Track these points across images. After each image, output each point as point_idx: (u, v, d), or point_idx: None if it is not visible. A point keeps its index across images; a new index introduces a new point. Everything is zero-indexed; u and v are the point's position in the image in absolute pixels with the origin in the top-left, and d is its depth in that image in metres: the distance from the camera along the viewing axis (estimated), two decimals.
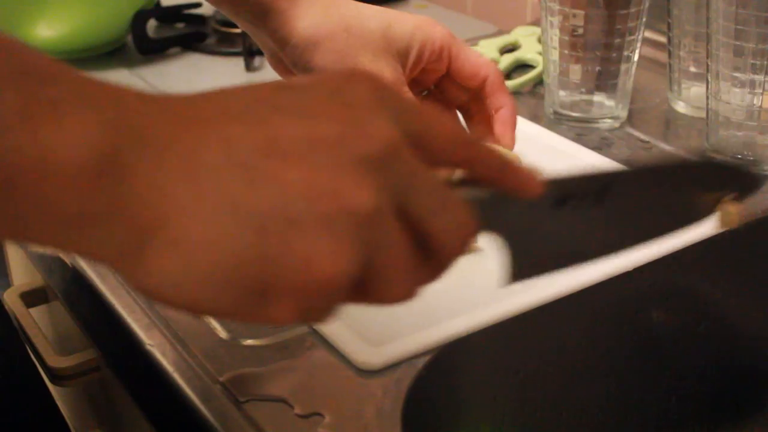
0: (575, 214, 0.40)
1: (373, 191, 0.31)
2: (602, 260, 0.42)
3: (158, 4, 1.03)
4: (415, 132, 0.33)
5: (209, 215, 0.29)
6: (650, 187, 0.43)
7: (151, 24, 1.00)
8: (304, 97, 0.32)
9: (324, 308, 0.32)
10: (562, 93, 0.77)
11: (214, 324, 0.52)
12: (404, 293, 0.34)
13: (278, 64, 0.62)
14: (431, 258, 0.34)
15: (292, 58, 0.60)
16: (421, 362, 0.49)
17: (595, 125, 0.76)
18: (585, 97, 0.76)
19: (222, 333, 0.52)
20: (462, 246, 0.35)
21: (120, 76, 0.90)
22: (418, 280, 0.34)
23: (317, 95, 0.32)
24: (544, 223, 0.39)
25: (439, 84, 0.65)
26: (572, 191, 0.40)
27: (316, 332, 0.52)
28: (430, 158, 0.34)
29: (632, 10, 0.72)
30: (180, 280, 0.29)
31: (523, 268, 0.40)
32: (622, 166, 0.43)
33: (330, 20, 0.59)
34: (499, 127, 0.63)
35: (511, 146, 0.64)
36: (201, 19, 1.04)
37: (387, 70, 0.59)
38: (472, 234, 0.35)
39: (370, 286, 0.32)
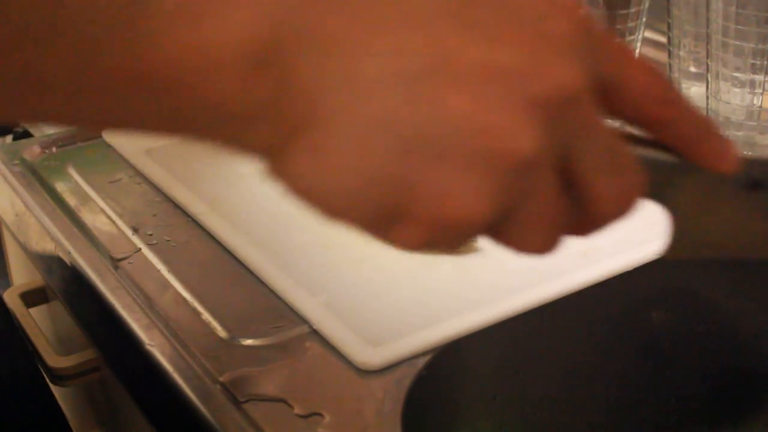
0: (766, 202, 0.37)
1: (538, 137, 0.28)
2: None
3: None
4: (609, 79, 0.31)
5: (358, 124, 0.27)
6: None
7: None
8: (499, 15, 0.29)
9: (452, 243, 0.30)
10: None
11: (214, 324, 0.52)
12: (542, 247, 0.31)
13: None
14: (584, 215, 0.31)
15: None
16: (421, 362, 0.49)
17: None
18: None
19: (222, 333, 0.52)
20: (621, 212, 0.32)
21: None
22: (562, 234, 0.31)
23: (514, 17, 0.29)
24: (726, 203, 0.36)
25: None
26: None
27: (316, 332, 0.52)
28: (617, 109, 0.31)
29: (632, 10, 0.72)
30: (314, 182, 0.28)
31: (686, 246, 0.37)
32: None
33: None
34: None
35: None
36: None
37: None
38: (635, 203, 0.32)
39: (509, 232, 0.30)
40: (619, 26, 0.72)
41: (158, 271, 0.58)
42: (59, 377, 0.66)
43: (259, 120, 0.28)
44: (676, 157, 0.33)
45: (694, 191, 0.35)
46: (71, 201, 0.66)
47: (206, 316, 0.53)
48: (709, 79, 0.68)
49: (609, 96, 0.31)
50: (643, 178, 0.31)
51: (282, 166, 0.29)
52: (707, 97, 0.69)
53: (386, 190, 0.28)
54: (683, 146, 0.33)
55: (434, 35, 0.28)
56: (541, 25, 0.29)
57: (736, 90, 0.66)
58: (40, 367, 0.67)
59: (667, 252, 0.37)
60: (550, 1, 0.30)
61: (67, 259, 0.61)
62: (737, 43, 0.65)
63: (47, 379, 0.67)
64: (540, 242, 0.30)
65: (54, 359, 0.65)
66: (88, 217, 0.64)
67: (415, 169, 0.27)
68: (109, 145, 0.73)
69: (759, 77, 0.65)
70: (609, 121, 0.31)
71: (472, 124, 0.27)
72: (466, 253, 0.58)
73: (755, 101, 0.66)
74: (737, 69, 0.66)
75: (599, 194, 0.30)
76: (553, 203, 0.30)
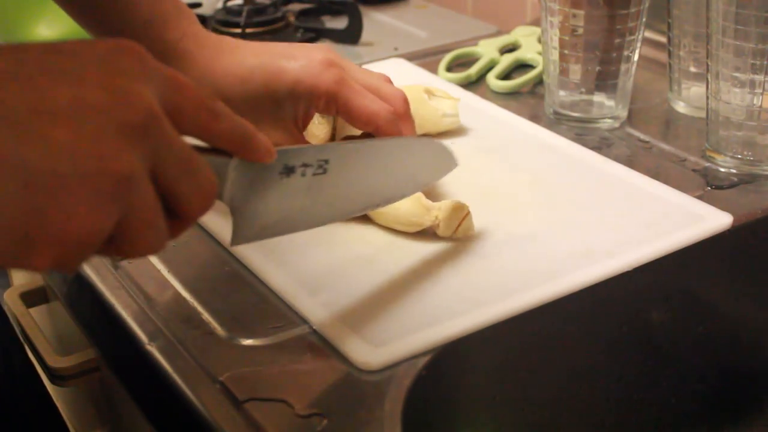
0: (300, 183, 0.47)
1: (133, 156, 0.34)
2: (319, 225, 0.50)
3: None
4: (171, 103, 0.37)
5: None
6: (370, 159, 0.51)
7: None
8: (74, 61, 0.35)
9: (78, 258, 0.35)
10: (562, 93, 0.77)
11: (214, 324, 0.52)
12: (151, 248, 0.37)
13: None
14: (177, 217, 0.39)
15: None
16: (421, 362, 0.49)
17: (595, 125, 0.76)
18: (585, 97, 0.76)
19: (222, 333, 0.52)
20: (203, 207, 0.40)
21: None
22: (164, 236, 0.38)
23: (87, 61, 0.35)
24: (272, 190, 0.46)
25: None
26: (299, 161, 0.47)
27: (316, 332, 0.52)
28: (180, 127, 0.38)
29: (632, 10, 0.72)
30: None
31: (246, 231, 0.46)
32: (351, 141, 0.51)
33: (209, 81, 0.57)
34: None
35: None
36: (201, 19, 1.04)
37: (273, 133, 0.57)
38: (212, 197, 0.40)
39: (121, 240, 0.36)
40: (619, 26, 0.72)
41: (158, 271, 0.58)
42: (59, 377, 0.66)
43: None
44: (228, 158, 0.42)
45: (245, 183, 0.44)
46: None
47: (206, 316, 0.53)
48: (709, 79, 0.68)
49: (172, 116, 0.37)
50: (212, 177, 0.39)
51: None
52: (707, 97, 0.69)
53: (16, 221, 0.32)
54: (232, 147, 0.42)
55: (29, 82, 0.33)
56: (110, 65, 0.35)
57: (736, 90, 0.66)
58: (40, 367, 0.67)
59: (232, 241, 0.46)
60: (112, 45, 0.37)
61: None
62: (737, 43, 0.65)
63: (46, 377, 0.67)
64: (148, 243, 0.37)
65: (54, 359, 0.65)
66: None
67: (38, 198, 0.32)
68: None
69: (759, 77, 0.65)
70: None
71: (77, 152, 0.33)
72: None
73: (755, 101, 0.66)
74: (737, 69, 0.66)
75: (182, 192, 0.38)
76: (153, 208, 0.36)
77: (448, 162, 0.57)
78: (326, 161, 0.48)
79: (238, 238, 0.47)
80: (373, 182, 0.52)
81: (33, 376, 0.68)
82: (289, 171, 0.46)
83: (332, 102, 0.57)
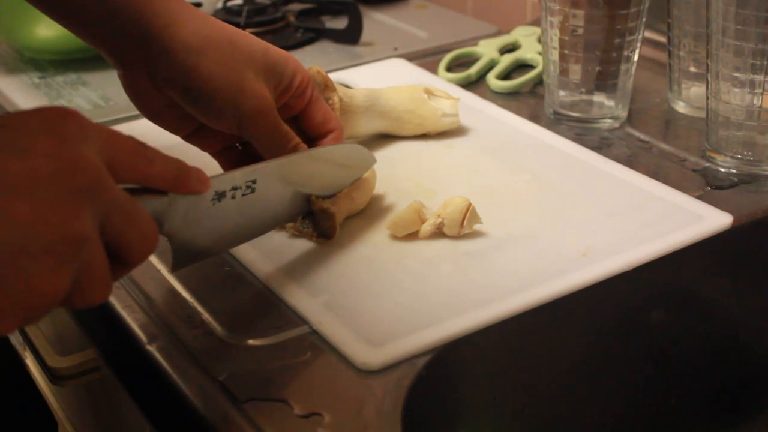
0: (231, 206, 0.50)
1: (86, 218, 0.37)
2: (252, 239, 0.54)
3: None
4: (109, 157, 0.40)
5: None
6: (292, 171, 0.55)
7: None
8: (21, 134, 0.37)
9: (40, 317, 0.37)
10: (562, 93, 0.77)
11: (214, 324, 0.52)
12: (100, 297, 0.39)
13: (131, 86, 0.57)
14: (121, 263, 0.41)
15: (173, 68, 0.55)
16: (421, 362, 0.49)
17: (595, 125, 0.76)
18: (585, 97, 0.76)
19: (222, 333, 0.52)
20: (147, 251, 0.42)
21: None
22: (111, 284, 0.40)
23: (32, 132, 0.37)
24: (205, 216, 0.49)
25: None
26: (228, 185, 0.50)
27: (316, 332, 0.52)
28: (119, 177, 0.40)
29: (632, 10, 0.72)
30: None
31: (184, 256, 0.49)
32: (274, 160, 0.55)
33: (214, 31, 0.57)
34: None
35: None
36: None
37: (267, 90, 0.57)
38: (155, 240, 0.42)
39: (76, 294, 0.38)
40: (619, 26, 0.72)
41: (158, 271, 0.58)
42: (59, 377, 0.66)
43: None
44: (162, 195, 0.45)
45: (180, 215, 0.47)
46: None
47: (206, 316, 0.53)
48: (709, 79, 0.68)
49: (111, 168, 0.40)
50: (152, 221, 0.42)
51: None
52: (707, 97, 0.69)
53: None
54: (168, 186, 0.44)
55: None
56: (53, 132, 0.37)
57: (736, 90, 0.66)
58: (40, 367, 0.67)
59: (172, 267, 0.50)
60: (50, 113, 0.38)
61: None
62: (737, 43, 0.65)
63: (43, 379, 0.67)
64: (100, 293, 0.39)
65: (54, 359, 0.66)
66: None
67: (5, 270, 0.34)
68: None
69: (759, 77, 0.65)
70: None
71: (37, 222, 0.35)
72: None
73: (755, 101, 0.66)
74: (737, 69, 0.66)
75: (127, 240, 0.40)
76: (103, 262, 0.39)
77: (366, 160, 0.62)
78: (254, 181, 0.52)
79: (177, 263, 0.49)
80: (298, 190, 0.56)
81: (22, 373, 0.68)
82: (220, 196, 0.49)
83: (307, 89, 0.60)
